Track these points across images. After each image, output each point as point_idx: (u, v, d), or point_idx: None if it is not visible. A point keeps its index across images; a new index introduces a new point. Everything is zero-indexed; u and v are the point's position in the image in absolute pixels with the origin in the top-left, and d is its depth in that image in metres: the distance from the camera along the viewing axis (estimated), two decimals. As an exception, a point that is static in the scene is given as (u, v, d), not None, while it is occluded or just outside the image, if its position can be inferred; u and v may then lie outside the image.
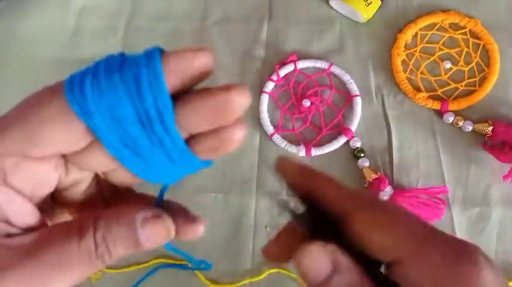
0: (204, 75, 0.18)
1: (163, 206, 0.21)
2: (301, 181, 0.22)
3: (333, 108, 0.46)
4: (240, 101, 0.18)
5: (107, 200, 0.23)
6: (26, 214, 0.20)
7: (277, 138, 0.45)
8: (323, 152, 0.44)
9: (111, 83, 0.18)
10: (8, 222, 0.19)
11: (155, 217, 0.20)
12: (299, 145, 0.45)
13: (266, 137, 0.45)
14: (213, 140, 0.19)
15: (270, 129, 0.45)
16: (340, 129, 0.45)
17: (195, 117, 0.18)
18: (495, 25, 0.47)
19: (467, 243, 0.20)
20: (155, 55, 0.18)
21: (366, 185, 0.43)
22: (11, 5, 0.51)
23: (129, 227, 0.19)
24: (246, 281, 0.42)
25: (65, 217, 0.23)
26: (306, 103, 0.45)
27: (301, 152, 0.44)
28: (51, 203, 0.22)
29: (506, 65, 0.46)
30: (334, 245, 0.20)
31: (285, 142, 0.45)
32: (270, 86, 0.46)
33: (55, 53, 0.49)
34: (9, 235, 0.19)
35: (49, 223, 0.22)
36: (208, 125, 0.18)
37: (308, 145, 0.45)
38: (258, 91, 0.47)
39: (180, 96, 0.18)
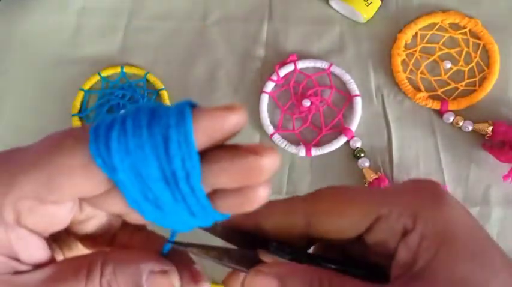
0: (235, 133, 0.18)
1: (170, 253, 0.21)
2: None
3: (333, 108, 0.46)
4: (270, 164, 0.17)
5: (118, 231, 0.23)
6: (35, 251, 0.20)
7: (277, 138, 0.45)
8: (323, 152, 0.44)
9: (139, 141, 0.17)
10: (16, 259, 0.19)
11: (162, 273, 0.20)
12: (299, 145, 0.45)
13: (266, 137, 0.45)
14: (236, 198, 0.18)
15: (270, 129, 0.45)
16: (340, 129, 0.45)
17: (222, 177, 0.18)
18: (495, 25, 0.47)
19: (425, 183, 0.21)
20: (186, 115, 0.17)
21: (366, 185, 0.43)
22: (11, 5, 0.51)
23: (135, 278, 0.19)
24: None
25: (74, 245, 0.23)
26: (306, 103, 0.45)
27: (301, 152, 0.44)
28: (64, 234, 0.22)
29: (506, 65, 0.46)
30: (275, 264, 0.20)
31: (285, 142, 0.45)
32: (270, 86, 0.46)
33: (55, 53, 0.49)
34: (17, 272, 0.19)
35: (59, 253, 0.22)
36: (235, 185, 0.18)
37: (308, 145, 0.45)
38: (258, 91, 0.47)
39: (207, 151, 0.18)
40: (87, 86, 0.48)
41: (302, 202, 0.22)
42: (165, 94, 0.47)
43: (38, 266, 0.20)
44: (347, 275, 0.20)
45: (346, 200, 0.21)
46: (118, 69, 0.48)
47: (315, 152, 0.44)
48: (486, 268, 0.19)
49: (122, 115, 0.18)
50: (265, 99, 0.46)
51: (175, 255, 0.21)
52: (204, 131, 0.17)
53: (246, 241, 0.22)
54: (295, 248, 0.22)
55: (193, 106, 0.18)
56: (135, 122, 0.17)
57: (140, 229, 0.23)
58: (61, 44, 0.49)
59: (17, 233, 0.19)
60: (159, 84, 0.47)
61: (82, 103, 0.47)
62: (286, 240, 0.22)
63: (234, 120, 0.17)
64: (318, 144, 0.45)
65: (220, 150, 0.18)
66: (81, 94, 0.47)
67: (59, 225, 0.20)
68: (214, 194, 0.18)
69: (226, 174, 0.17)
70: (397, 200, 0.21)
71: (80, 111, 0.47)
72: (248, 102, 0.47)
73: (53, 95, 0.48)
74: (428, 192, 0.21)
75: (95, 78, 0.48)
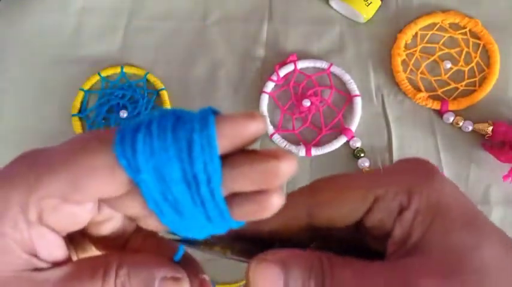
0: (255, 140, 0.18)
1: (181, 261, 0.22)
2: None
3: (333, 108, 0.46)
4: (288, 168, 0.18)
5: (130, 235, 0.24)
6: (55, 249, 0.21)
7: (277, 138, 0.45)
8: (323, 152, 0.44)
9: (164, 143, 0.18)
10: (36, 256, 0.20)
11: (174, 280, 0.21)
12: (299, 145, 0.45)
13: (266, 137, 0.45)
14: (251, 205, 0.19)
15: (270, 129, 0.45)
16: (340, 129, 0.45)
17: (241, 181, 0.18)
18: (495, 25, 0.47)
19: (416, 161, 0.22)
20: (210, 120, 0.18)
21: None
22: (11, 5, 0.51)
23: (148, 282, 0.20)
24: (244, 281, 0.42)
25: (88, 247, 0.24)
26: (306, 103, 0.45)
27: (301, 152, 0.44)
28: (79, 235, 0.23)
29: (506, 65, 0.46)
30: (277, 251, 0.21)
31: (285, 142, 0.45)
32: (270, 86, 0.46)
33: (55, 53, 0.49)
34: (36, 269, 0.20)
35: (73, 253, 0.23)
36: (252, 188, 0.19)
37: (308, 145, 0.45)
38: (258, 91, 0.47)
39: (227, 156, 0.18)
40: (87, 86, 0.48)
41: (301, 195, 0.22)
42: (165, 94, 0.47)
43: (56, 265, 0.21)
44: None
45: (344, 188, 0.22)
46: (118, 69, 0.48)
47: (315, 152, 0.44)
48: (477, 233, 0.20)
49: (147, 119, 0.19)
50: (265, 99, 0.46)
51: (186, 263, 0.22)
52: (226, 137, 0.18)
53: (247, 249, 0.22)
54: (298, 244, 0.22)
55: (215, 113, 0.18)
56: (160, 125, 0.18)
57: (152, 235, 0.24)
58: (61, 44, 0.49)
59: (39, 231, 0.20)
60: (159, 84, 0.47)
61: (82, 103, 0.47)
62: (288, 237, 0.22)
63: (254, 127, 0.18)
64: (318, 144, 0.45)
65: (240, 155, 0.18)
66: (81, 94, 0.47)
67: (78, 225, 0.21)
68: (230, 201, 0.19)
69: (245, 178, 0.18)
70: (392, 179, 0.21)
71: (80, 111, 0.47)
72: (248, 102, 0.47)
73: (53, 95, 0.48)
74: (420, 169, 0.22)
75: (95, 78, 0.48)
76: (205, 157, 0.17)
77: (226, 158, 0.18)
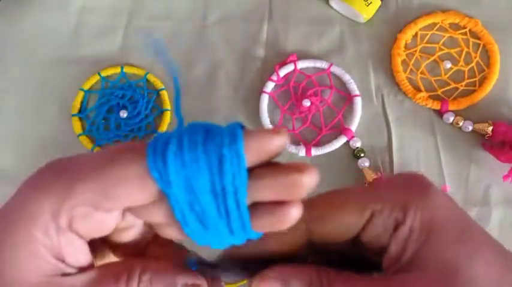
0: (279, 153, 0.20)
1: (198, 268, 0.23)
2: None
3: (333, 108, 0.46)
4: (311, 181, 0.19)
5: (149, 243, 0.25)
6: (81, 255, 0.21)
7: (277, 138, 0.45)
8: (323, 152, 0.44)
9: (194, 156, 0.19)
10: (64, 262, 0.21)
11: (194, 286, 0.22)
12: (299, 144, 0.45)
13: (266, 137, 0.45)
14: (271, 218, 0.20)
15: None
16: (340, 129, 0.45)
17: (264, 192, 0.19)
18: (495, 25, 0.47)
19: (412, 177, 0.22)
20: (238, 135, 0.19)
21: (366, 185, 0.43)
22: (10, 5, 0.51)
23: None
24: (246, 281, 0.42)
25: (107, 254, 0.24)
26: (306, 103, 0.45)
27: (301, 152, 0.44)
28: (99, 241, 0.23)
29: (506, 65, 0.46)
30: (278, 267, 0.21)
31: (285, 142, 0.45)
32: (270, 86, 0.46)
33: (55, 53, 0.49)
34: (64, 274, 0.21)
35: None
36: (274, 198, 0.19)
37: (308, 145, 0.45)
38: (258, 91, 0.47)
39: (252, 169, 0.19)
40: (87, 86, 0.48)
41: None
42: (165, 94, 0.47)
43: (81, 270, 0.21)
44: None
45: (340, 203, 0.22)
46: (118, 69, 0.48)
47: (315, 152, 0.44)
48: (470, 245, 0.20)
49: (177, 132, 0.20)
50: (265, 99, 0.46)
51: (204, 270, 0.23)
52: (253, 151, 0.19)
53: (247, 269, 0.23)
54: (296, 259, 0.22)
55: (242, 127, 0.19)
56: (191, 138, 0.19)
57: (168, 243, 0.25)
58: (61, 44, 0.49)
59: (68, 238, 0.20)
60: (159, 84, 0.47)
61: (82, 103, 0.47)
62: (288, 252, 0.23)
63: (279, 142, 0.19)
64: (318, 144, 0.45)
65: (264, 167, 0.19)
66: (81, 94, 0.47)
67: (104, 231, 0.22)
68: (251, 213, 0.20)
69: (269, 189, 0.19)
70: (388, 195, 0.22)
71: (80, 111, 0.47)
72: (248, 102, 0.47)
73: (53, 95, 0.48)
74: (415, 184, 0.22)
75: (95, 78, 0.48)
76: (234, 169, 0.18)
77: (252, 170, 0.19)
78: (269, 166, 0.19)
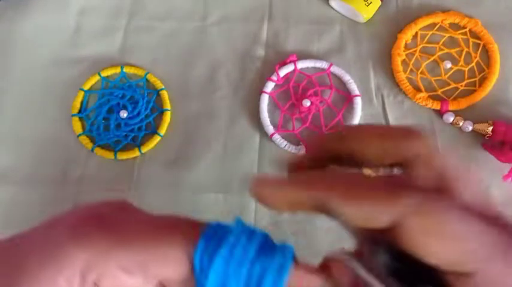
0: None
1: None
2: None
3: (333, 108, 0.46)
4: None
5: None
6: None
7: (277, 138, 0.45)
8: (323, 152, 0.44)
9: (238, 273, 0.19)
10: None
11: None
12: (299, 145, 0.45)
13: (266, 137, 0.45)
14: None
15: (270, 129, 0.45)
16: (340, 129, 0.45)
17: None
18: (495, 25, 0.47)
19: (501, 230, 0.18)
20: (284, 271, 0.19)
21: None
22: (11, 5, 0.51)
23: None
24: None
25: None
26: (306, 103, 0.45)
27: (301, 152, 0.44)
28: None
29: (506, 65, 0.46)
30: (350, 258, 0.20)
31: (285, 142, 0.45)
32: (270, 86, 0.46)
33: (55, 53, 0.49)
34: None
35: None
36: None
37: (308, 144, 0.45)
38: (258, 91, 0.47)
39: None
40: (87, 86, 0.48)
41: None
42: (165, 94, 0.47)
43: None
44: None
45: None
46: (118, 69, 0.48)
47: (315, 152, 0.44)
48: None
49: (235, 236, 0.20)
50: (265, 99, 0.46)
51: None
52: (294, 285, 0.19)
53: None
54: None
55: (292, 256, 0.20)
56: (244, 251, 0.19)
57: None
58: (61, 44, 0.49)
59: None
60: (159, 84, 0.47)
61: (82, 103, 0.47)
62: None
63: (316, 283, 0.19)
64: (318, 144, 0.45)
65: None
66: (81, 94, 0.47)
67: None
68: None
69: None
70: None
71: (80, 111, 0.47)
72: (248, 102, 0.47)
73: (53, 95, 0.48)
74: (499, 246, 0.17)
75: (95, 78, 0.48)
76: None
77: None
78: None
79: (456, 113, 0.45)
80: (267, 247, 0.20)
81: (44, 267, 0.20)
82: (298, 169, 0.22)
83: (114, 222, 0.22)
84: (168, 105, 0.47)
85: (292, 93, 0.47)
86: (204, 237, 0.20)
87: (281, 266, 0.19)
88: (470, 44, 0.47)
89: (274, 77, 0.46)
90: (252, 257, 0.19)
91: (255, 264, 0.19)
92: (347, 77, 0.46)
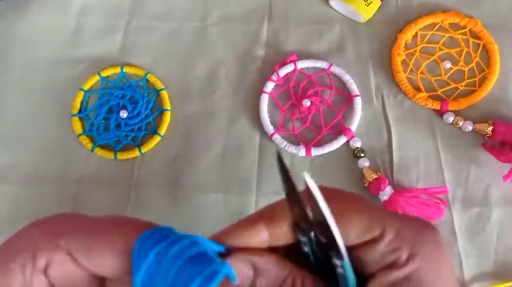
0: None
1: None
2: None
3: (333, 108, 0.46)
4: None
5: None
6: None
7: (277, 138, 0.45)
8: (323, 152, 0.44)
9: (168, 269, 0.19)
10: None
11: None
12: (299, 144, 0.45)
13: (266, 137, 0.45)
14: None
15: (270, 129, 0.45)
16: (340, 129, 0.45)
17: None
18: (495, 25, 0.47)
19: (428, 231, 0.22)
20: (214, 281, 0.19)
21: (366, 185, 0.43)
22: (11, 5, 0.51)
23: None
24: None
25: None
26: (306, 103, 0.45)
27: (301, 152, 0.44)
28: None
29: (506, 65, 0.46)
30: (250, 254, 0.22)
31: (285, 142, 0.45)
32: (270, 86, 0.46)
33: (55, 53, 0.49)
34: None
35: None
36: None
37: (308, 145, 0.45)
38: (258, 91, 0.47)
39: None
40: (87, 86, 0.48)
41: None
42: (165, 94, 0.47)
43: None
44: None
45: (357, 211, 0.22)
46: (118, 69, 0.48)
47: (315, 152, 0.44)
48: None
49: (174, 238, 0.20)
50: (265, 99, 0.46)
51: None
52: None
53: None
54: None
55: (226, 252, 0.20)
56: (179, 253, 0.20)
57: None
58: (61, 44, 0.49)
59: (39, 280, 0.21)
60: (159, 84, 0.47)
61: (82, 103, 0.47)
62: None
63: None
64: (318, 144, 0.45)
65: None
66: (81, 94, 0.47)
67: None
68: None
69: None
70: (401, 233, 0.21)
71: (80, 111, 0.47)
72: (248, 102, 0.47)
73: (53, 95, 0.48)
74: (429, 241, 0.21)
75: (95, 78, 0.48)
76: None
77: None
78: None
79: (456, 113, 0.45)
80: (206, 256, 0.20)
81: None
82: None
83: (70, 218, 0.23)
84: (168, 105, 0.47)
85: (292, 93, 0.47)
86: (146, 234, 0.21)
87: (211, 274, 0.19)
88: (470, 44, 0.47)
89: (274, 77, 0.46)
90: (186, 259, 0.20)
91: (186, 267, 0.19)
92: (347, 77, 0.46)
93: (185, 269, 0.19)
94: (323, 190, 0.21)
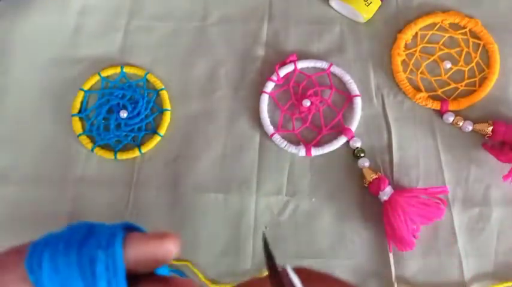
0: (167, 261, 0.18)
1: None
2: None
3: (333, 108, 0.46)
4: None
5: None
6: None
7: (277, 138, 0.45)
8: (323, 152, 0.44)
9: (68, 260, 0.18)
10: None
11: None
12: (299, 145, 0.45)
13: (266, 137, 0.45)
14: None
15: (270, 129, 0.45)
16: (340, 129, 0.45)
17: None
18: (495, 25, 0.47)
19: None
20: (117, 238, 0.18)
21: (366, 185, 0.43)
22: (11, 5, 0.51)
23: None
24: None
25: None
26: (306, 103, 0.45)
27: (301, 152, 0.44)
28: None
29: (506, 65, 0.46)
30: None
31: (285, 142, 0.45)
32: (270, 86, 0.46)
33: (55, 53, 0.49)
34: None
35: None
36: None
37: (308, 145, 0.45)
38: (258, 91, 0.47)
39: (139, 277, 0.18)
40: (87, 86, 0.48)
41: None
42: (165, 94, 0.47)
43: None
44: None
45: None
46: (118, 69, 0.48)
47: (315, 152, 0.44)
48: None
49: (59, 233, 0.19)
50: (265, 99, 0.46)
51: None
52: (135, 257, 0.17)
53: None
54: None
55: (130, 228, 0.18)
56: (68, 241, 0.18)
57: None
58: (61, 44, 0.49)
59: None
60: (159, 84, 0.47)
61: (82, 103, 0.47)
62: None
63: (166, 248, 0.18)
64: (318, 144, 0.45)
65: (150, 281, 0.18)
66: (81, 94, 0.47)
67: None
68: None
69: None
70: None
71: (80, 111, 0.47)
72: (248, 102, 0.47)
73: (53, 95, 0.48)
74: None
75: (95, 78, 0.48)
76: (110, 276, 0.17)
77: (138, 279, 0.18)
78: (156, 280, 0.18)
79: (456, 113, 0.45)
80: (96, 228, 0.19)
81: None
82: None
83: None
84: (168, 105, 0.47)
85: (292, 93, 0.47)
86: (31, 246, 0.19)
87: (111, 234, 0.18)
88: (470, 44, 0.47)
89: (274, 77, 0.46)
90: (79, 241, 0.18)
91: (83, 246, 0.18)
92: (347, 77, 0.46)
93: (82, 252, 0.18)
94: (311, 275, 0.20)
